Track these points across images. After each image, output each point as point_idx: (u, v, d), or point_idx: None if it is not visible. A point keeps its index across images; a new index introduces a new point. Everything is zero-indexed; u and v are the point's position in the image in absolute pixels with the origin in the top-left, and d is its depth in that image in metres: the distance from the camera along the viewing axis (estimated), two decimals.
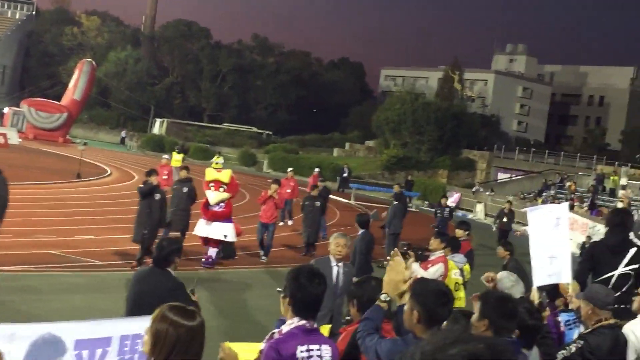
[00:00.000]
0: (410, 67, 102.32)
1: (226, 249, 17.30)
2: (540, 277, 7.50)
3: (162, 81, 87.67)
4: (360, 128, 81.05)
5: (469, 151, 64.49)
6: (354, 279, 11.96)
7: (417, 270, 9.60)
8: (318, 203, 19.35)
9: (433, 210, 43.89)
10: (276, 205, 17.70)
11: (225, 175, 15.98)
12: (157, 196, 14.61)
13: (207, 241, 15.83)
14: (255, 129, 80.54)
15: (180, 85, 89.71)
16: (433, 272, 9.57)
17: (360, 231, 12.55)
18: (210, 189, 15.70)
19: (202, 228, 15.73)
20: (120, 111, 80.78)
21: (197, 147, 64.18)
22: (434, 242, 10.13)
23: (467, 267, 10.80)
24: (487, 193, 46.36)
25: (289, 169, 27.99)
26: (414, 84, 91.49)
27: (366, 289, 4.85)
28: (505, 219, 26.75)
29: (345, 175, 47.96)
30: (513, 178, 58.46)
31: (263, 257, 17.48)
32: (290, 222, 25.08)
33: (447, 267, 9.80)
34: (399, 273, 4.29)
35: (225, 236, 15.74)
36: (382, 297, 4.32)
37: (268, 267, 17.09)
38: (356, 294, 4.92)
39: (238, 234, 16.26)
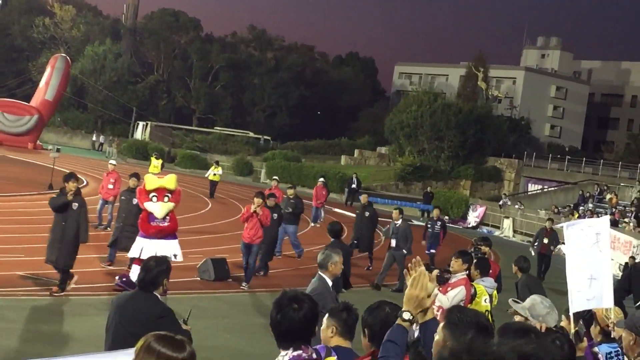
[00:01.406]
0: (428, 63, 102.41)
1: (219, 270, 17.28)
2: (578, 301, 7.43)
3: (146, 79, 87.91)
4: (371, 133, 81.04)
5: (495, 159, 64.45)
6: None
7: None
8: (275, 215, 18.92)
9: (457, 226, 44.28)
10: (261, 223, 17.08)
11: (171, 181, 14.95)
12: (75, 205, 14.05)
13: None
14: (251, 134, 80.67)
15: (166, 84, 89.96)
16: (452, 296, 9.56)
17: (331, 240, 12.85)
18: (151, 199, 14.66)
19: (150, 248, 14.60)
20: (98, 113, 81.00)
21: (185, 154, 64.28)
22: (455, 263, 10.07)
23: (495, 292, 10.79)
24: (516, 207, 46.32)
25: (273, 178, 27.74)
26: (432, 83, 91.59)
27: (379, 316, 4.85)
28: (545, 240, 25.42)
29: (353, 186, 47.95)
30: (545, 190, 58.38)
31: (244, 284, 16.98)
32: None
33: (469, 291, 9.78)
34: (423, 287, 4.21)
35: (175, 256, 14.86)
36: (405, 315, 4.20)
37: (265, 290, 17.08)
38: (368, 321, 4.92)
39: None
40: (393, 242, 19.76)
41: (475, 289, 10.08)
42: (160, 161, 38.38)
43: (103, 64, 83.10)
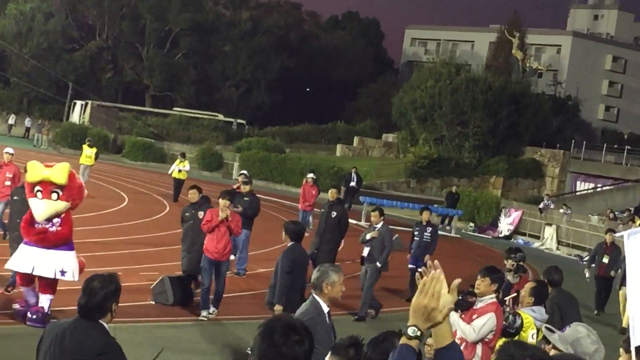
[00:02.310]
0: (448, 26, 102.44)
1: (179, 292, 17.23)
2: None
3: (85, 46, 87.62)
4: (375, 116, 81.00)
5: (535, 150, 64.48)
6: (277, 307, 12.30)
7: (457, 321, 9.64)
8: (202, 213, 17.68)
9: (485, 236, 44.22)
10: (231, 231, 16.74)
11: (60, 173, 14.05)
12: None
13: (30, 280, 14.40)
14: (221, 117, 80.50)
15: (111, 51, 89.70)
16: (479, 326, 9.59)
17: (289, 244, 13.04)
18: (35, 195, 13.94)
19: (26, 260, 14.10)
20: (24, 90, 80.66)
21: (135, 142, 64.03)
22: (481, 283, 10.05)
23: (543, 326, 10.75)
24: (561, 211, 46.39)
25: (241, 172, 27.69)
26: (453, 51, 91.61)
27: (386, 351, 4.89)
28: (605, 259, 23.92)
29: (353, 184, 47.93)
30: (598, 189, 58.43)
31: (212, 311, 16.74)
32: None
33: (500, 319, 9.80)
34: (435, 296, 4.15)
35: (63, 272, 14.08)
36: (410, 331, 4.17)
37: (236, 318, 17.10)
38: (372, 358, 4.97)
39: (80, 270, 14.38)
40: (365, 252, 19.08)
41: (521, 318, 10.05)
42: (94, 150, 38.07)
43: (30, 26, 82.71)
